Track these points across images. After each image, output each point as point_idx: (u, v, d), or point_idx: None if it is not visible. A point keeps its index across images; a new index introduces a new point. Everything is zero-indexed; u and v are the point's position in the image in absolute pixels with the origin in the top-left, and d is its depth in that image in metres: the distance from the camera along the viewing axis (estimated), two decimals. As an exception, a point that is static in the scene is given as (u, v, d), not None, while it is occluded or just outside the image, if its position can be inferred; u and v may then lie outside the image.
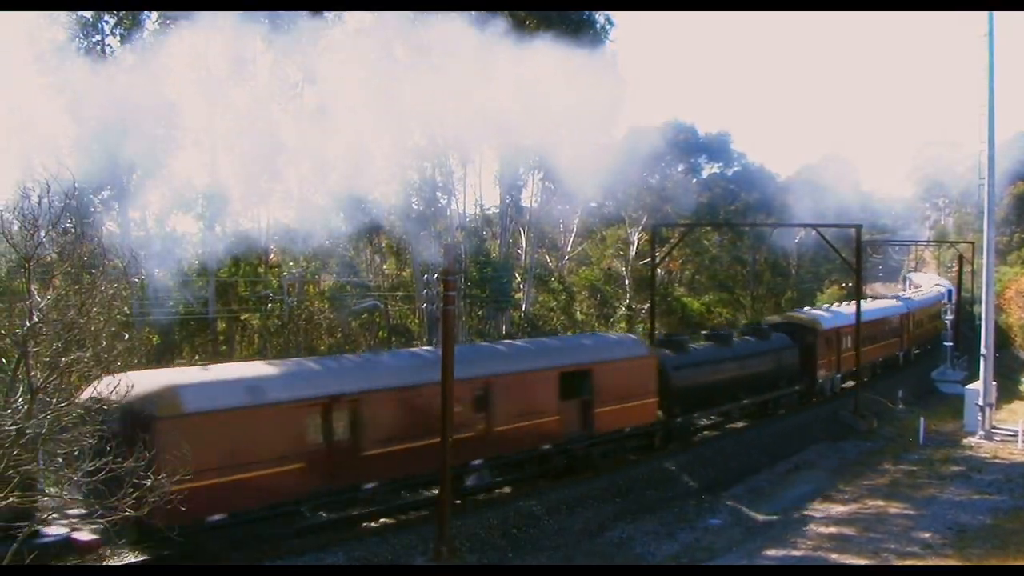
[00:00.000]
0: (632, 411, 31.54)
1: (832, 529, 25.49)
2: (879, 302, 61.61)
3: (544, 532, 25.86)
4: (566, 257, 63.84)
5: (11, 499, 11.42)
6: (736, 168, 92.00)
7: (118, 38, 38.28)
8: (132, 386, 13.46)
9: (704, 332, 42.23)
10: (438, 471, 22.99)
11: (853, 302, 58.53)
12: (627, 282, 64.37)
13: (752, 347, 40.62)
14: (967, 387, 42.21)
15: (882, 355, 54.93)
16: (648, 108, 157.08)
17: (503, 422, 26.70)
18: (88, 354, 11.67)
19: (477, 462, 26.38)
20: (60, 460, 11.59)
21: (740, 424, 40.25)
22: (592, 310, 62.65)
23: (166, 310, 41.40)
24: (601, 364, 30.41)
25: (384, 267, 58.88)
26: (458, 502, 25.59)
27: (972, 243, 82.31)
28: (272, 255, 48.43)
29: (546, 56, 35.77)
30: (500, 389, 26.69)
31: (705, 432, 38.51)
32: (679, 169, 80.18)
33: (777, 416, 42.07)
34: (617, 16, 48.81)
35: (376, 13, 38.03)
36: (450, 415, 22.57)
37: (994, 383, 39.94)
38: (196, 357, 43.80)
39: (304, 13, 36.75)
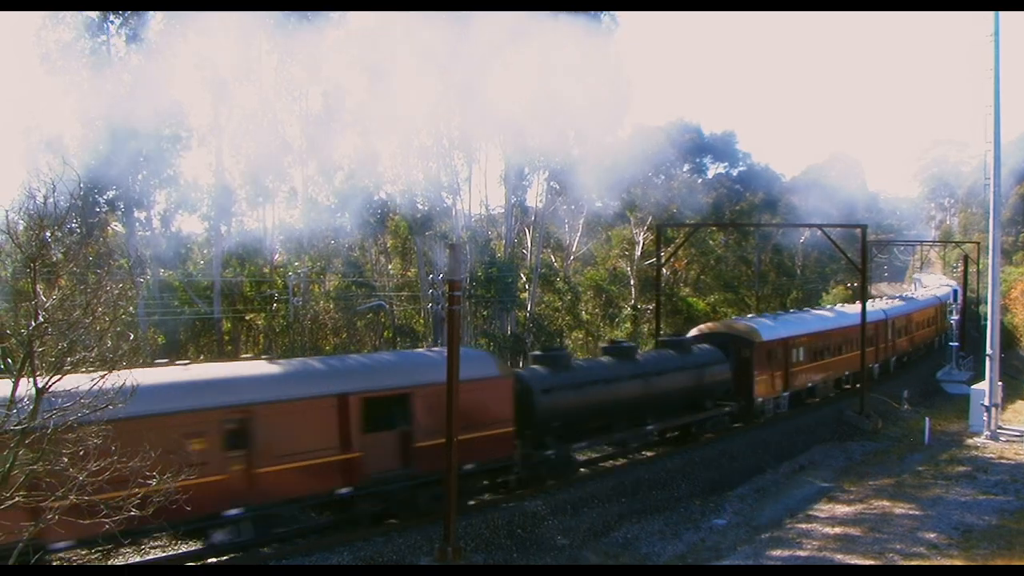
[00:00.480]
0: (476, 444, 25.32)
1: (837, 529, 25.45)
2: (853, 307, 54.53)
3: (549, 532, 25.84)
4: (571, 257, 63.86)
5: (17, 499, 11.44)
6: (741, 168, 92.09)
7: (123, 39, 38.33)
8: None
9: (603, 346, 36.67)
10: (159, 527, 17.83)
11: (822, 309, 56.69)
12: (632, 282, 64.37)
13: (665, 362, 34.34)
14: (973, 387, 42.10)
15: (848, 369, 48.01)
16: (653, 108, 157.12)
17: (271, 461, 21.27)
18: (93, 354, 11.68)
19: (233, 512, 20.83)
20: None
21: (647, 454, 34.56)
22: (597, 310, 62.69)
23: (172, 310, 41.49)
24: (426, 388, 24.26)
25: (389, 267, 58.97)
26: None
27: (978, 243, 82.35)
28: (278, 255, 48.52)
29: (556, 36, 35.60)
30: (265, 420, 21.32)
31: (599, 465, 32.96)
32: (684, 169, 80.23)
33: (704, 441, 36.09)
34: (622, 16, 48.88)
35: (382, 13, 38.03)
36: (456, 418, 22.40)
37: (1000, 383, 39.87)
38: (201, 357, 44.01)
39: (309, 13, 36.80)
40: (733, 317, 46.99)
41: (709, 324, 43.64)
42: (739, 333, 39.65)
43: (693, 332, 41.13)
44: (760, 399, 39.43)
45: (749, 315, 47.21)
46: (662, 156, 63.68)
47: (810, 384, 44.23)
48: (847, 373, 48.10)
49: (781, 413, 40.94)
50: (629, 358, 33.00)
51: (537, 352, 33.05)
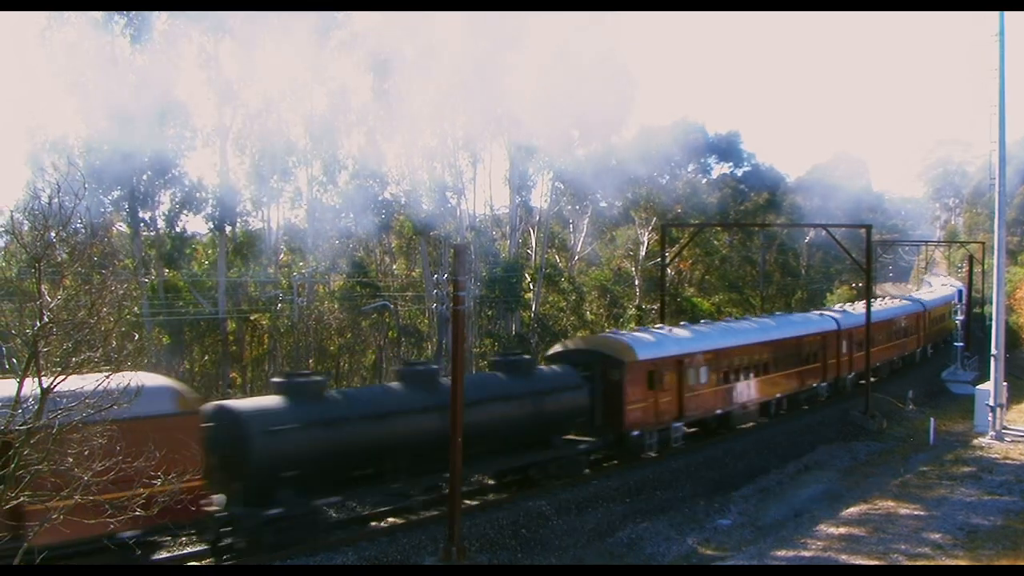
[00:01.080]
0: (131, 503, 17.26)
1: (842, 529, 25.38)
2: (806, 315, 49.53)
3: (554, 532, 25.83)
4: (576, 257, 63.88)
5: (22, 498, 11.46)
6: (746, 168, 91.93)
7: (128, 39, 38.40)
8: None
9: (396, 368, 30.76)
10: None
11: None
12: (637, 282, 64.35)
13: (484, 389, 26.94)
14: (978, 388, 42.05)
15: (781, 391, 41.17)
16: (658, 108, 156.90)
17: None
18: (98, 354, 11.69)
19: None
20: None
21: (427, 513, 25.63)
22: (602, 310, 62.69)
23: (176, 310, 41.52)
24: (52, 433, 15.76)
25: (394, 267, 59.02)
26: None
27: (983, 243, 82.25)
28: (282, 255, 48.58)
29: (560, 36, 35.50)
30: None
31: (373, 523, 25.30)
32: (689, 169, 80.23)
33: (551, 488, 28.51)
34: (624, 16, 48.87)
35: (385, 13, 38.12)
36: (458, 423, 22.46)
37: (1005, 383, 39.80)
38: (206, 357, 44.05)
39: (312, 13, 36.88)
40: (608, 331, 38.65)
41: (573, 340, 38.28)
42: (606, 351, 32.19)
43: (552, 350, 34.76)
44: (636, 432, 31.80)
45: (632, 326, 38.93)
46: (667, 156, 63.69)
47: (719, 411, 36.80)
48: (779, 396, 41.05)
49: (677, 448, 34.00)
50: (427, 385, 25.76)
51: (278, 379, 24.55)
